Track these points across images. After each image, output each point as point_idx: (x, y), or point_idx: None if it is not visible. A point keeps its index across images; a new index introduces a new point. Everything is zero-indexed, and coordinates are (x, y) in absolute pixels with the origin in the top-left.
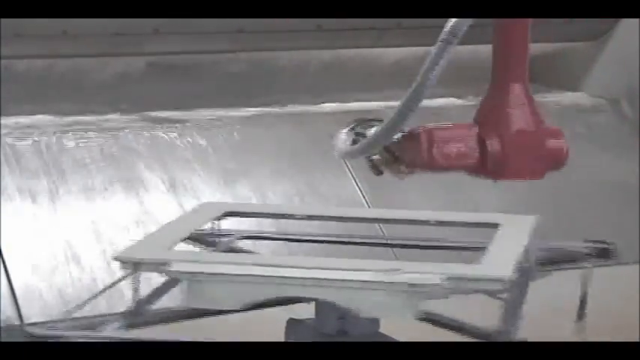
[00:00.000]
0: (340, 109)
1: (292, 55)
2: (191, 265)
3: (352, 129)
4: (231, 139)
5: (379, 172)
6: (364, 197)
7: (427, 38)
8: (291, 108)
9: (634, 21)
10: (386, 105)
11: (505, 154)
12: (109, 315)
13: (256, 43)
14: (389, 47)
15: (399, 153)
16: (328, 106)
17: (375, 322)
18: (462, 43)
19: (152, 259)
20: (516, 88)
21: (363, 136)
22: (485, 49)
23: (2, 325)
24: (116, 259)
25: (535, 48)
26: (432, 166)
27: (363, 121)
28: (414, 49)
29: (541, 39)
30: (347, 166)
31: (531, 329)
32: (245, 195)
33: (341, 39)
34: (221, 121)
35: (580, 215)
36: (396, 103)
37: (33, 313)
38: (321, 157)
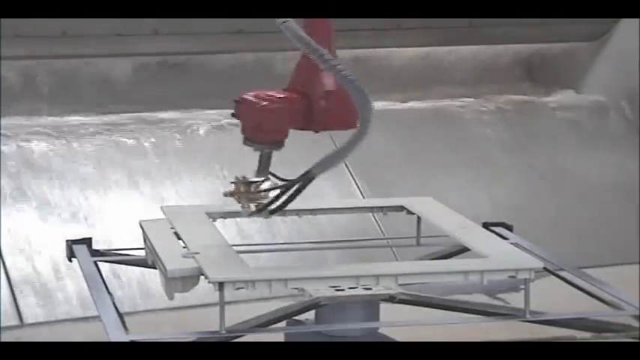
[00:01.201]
0: None
1: (292, 55)
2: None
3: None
4: (229, 140)
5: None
6: (362, 195)
7: (427, 38)
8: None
9: (634, 21)
10: (385, 105)
11: (328, 110)
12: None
13: (256, 43)
14: (389, 47)
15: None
16: None
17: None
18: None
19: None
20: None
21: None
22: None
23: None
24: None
25: (535, 48)
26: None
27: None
28: (414, 49)
29: (541, 39)
30: (346, 165)
31: (530, 328)
32: None
33: (341, 39)
34: (218, 121)
35: (580, 215)
36: (395, 104)
37: None
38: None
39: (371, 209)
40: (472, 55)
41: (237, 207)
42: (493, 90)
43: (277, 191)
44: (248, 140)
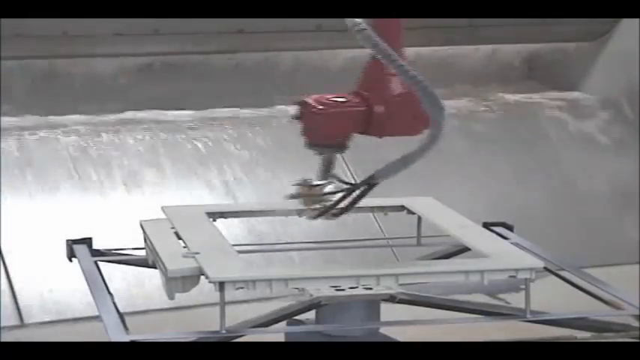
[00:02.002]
0: None
1: (292, 55)
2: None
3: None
4: (229, 140)
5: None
6: None
7: (427, 38)
8: (291, 108)
9: (634, 21)
10: None
11: (389, 115)
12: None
13: (256, 43)
14: None
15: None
16: None
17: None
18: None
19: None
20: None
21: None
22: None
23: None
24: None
25: (535, 48)
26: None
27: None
28: (413, 49)
29: (541, 39)
30: (346, 165)
31: (531, 328)
32: (248, 196)
33: (341, 39)
34: (216, 121)
35: (580, 215)
36: None
37: None
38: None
39: (371, 209)
40: (472, 55)
41: (236, 207)
42: (493, 90)
43: (340, 194)
44: (309, 144)
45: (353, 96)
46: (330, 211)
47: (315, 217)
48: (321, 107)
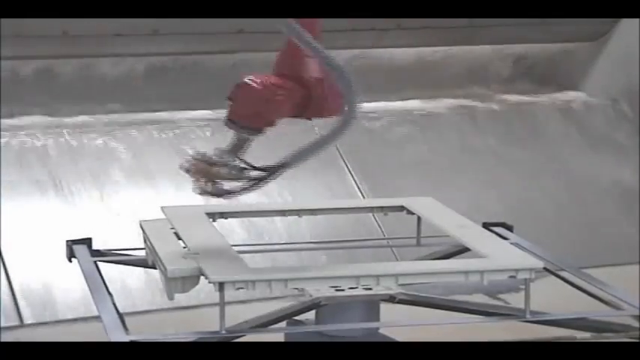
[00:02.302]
0: None
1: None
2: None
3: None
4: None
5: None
6: (361, 192)
7: (427, 38)
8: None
9: (634, 21)
10: (386, 105)
11: (325, 97)
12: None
13: (256, 43)
14: (389, 47)
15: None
16: None
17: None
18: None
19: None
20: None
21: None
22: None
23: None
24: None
25: (535, 48)
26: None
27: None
28: (414, 49)
29: (541, 39)
30: (346, 166)
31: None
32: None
33: (341, 39)
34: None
35: (580, 215)
36: (395, 104)
37: None
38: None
39: (371, 209)
40: (472, 55)
41: (236, 207)
42: (493, 90)
43: (241, 176)
44: (233, 123)
45: (284, 79)
46: (225, 192)
47: (202, 194)
48: (265, 89)
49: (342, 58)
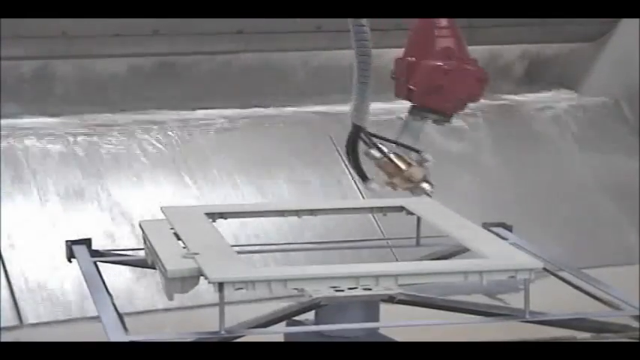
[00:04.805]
0: (341, 110)
1: (292, 56)
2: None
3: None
4: (229, 140)
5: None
6: (361, 192)
7: None
8: (291, 108)
9: (634, 21)
10: (386, 106)
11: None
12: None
13: (256, 44)
14: (389, 47)
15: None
16: (328, 107)
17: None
18: None
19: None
20: None
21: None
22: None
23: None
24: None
25: (535, 48)
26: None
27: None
28: None
29: (541, 39)
30: (346, 165)
31: (530, 328)
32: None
33: (341, 39)
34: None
35: (580, 215)
36: (395, 104)
37: None
38: (320, 157)
39: (371, 209)
40: (471, 55)
41: (236, 208)
42: (492, 90)
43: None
44: (420, 109)
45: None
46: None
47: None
48: (449, 64)
49: (342, 58)
